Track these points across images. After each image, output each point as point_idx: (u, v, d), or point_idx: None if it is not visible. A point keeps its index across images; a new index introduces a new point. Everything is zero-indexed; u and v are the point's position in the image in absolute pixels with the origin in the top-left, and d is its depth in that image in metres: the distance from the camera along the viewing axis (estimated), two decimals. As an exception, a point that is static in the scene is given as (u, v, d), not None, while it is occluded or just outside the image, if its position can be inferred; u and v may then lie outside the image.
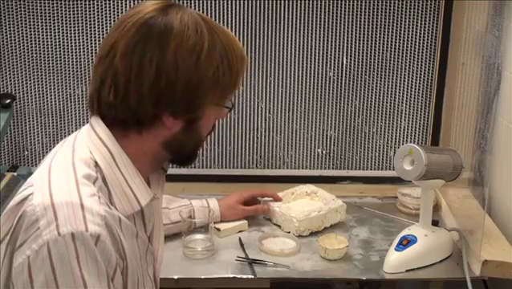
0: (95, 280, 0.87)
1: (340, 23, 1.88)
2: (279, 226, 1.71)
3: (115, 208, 0.96)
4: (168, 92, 0.94)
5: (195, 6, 1.83)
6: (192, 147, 1.05)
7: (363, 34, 1.89)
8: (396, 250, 1.52)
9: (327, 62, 1.91)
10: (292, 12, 1.86)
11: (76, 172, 0.93)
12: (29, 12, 1.81)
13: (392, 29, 1.89)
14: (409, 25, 1.89)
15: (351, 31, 1.89)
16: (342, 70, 1.92)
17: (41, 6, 1.81)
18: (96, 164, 0.97)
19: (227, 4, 1.84)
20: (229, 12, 1.85)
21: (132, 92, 0.94)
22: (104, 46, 0.96)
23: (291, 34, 1.88)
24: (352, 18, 1.88)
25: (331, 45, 1.90)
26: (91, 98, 0.99)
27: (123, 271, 0.95)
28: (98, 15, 1.84)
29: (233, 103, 1.10)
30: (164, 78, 0.93)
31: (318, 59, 1.91)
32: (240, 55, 1.01)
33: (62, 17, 1.83)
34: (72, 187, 0.91)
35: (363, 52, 1.91)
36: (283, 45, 1.89)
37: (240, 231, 1.68)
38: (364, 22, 1.88)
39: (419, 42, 1.90)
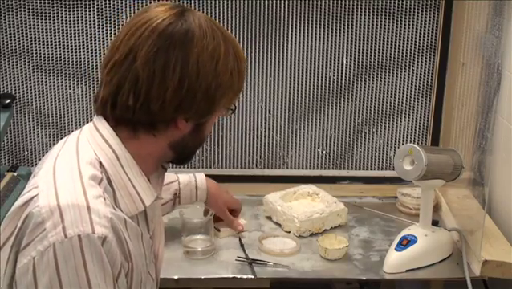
0: (100, 281, 0.87)
1: (340, 23, 1.88)
2: (279, 225, 1.71)
3: (120, 208, 0.96)
4: (188, 98, 0.96)
5: (195, 5, 1.83)
6: (194, 147, 1.08)
7: (363, 34, 1.89)
8: (396, 250, 1.51)
9: (327, 62, 1.91)
10: (292, 12, 1.86)
11: (82, 174, 0.93)
12: (29, 12, 1.81)
13: (392, 29, 1.89)
14: (409, 25, 1.89)
15: (351, 31, 1.89)
16: (342, 70, 1.92)
17: (41, 6, 1.81)
18: (101, 165, 0.97)
19: (227, 4, 1.84)
20: (229, 12, 1.85)
21: (154, 98, 0.94)
22: (119, 51, 0.96)
23: (291, 34, 1.88)
24: (352, 18, 1.87)
25: (331, 45, 1.90)
26: (103, 100, 0.97)
27: (127, 273, 0.95)
28: (98, 15, 1.83)
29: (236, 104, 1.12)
30: (187, 84, 0.95)
31: (319, 59, 1.91)
32: (243, 58, 1.04)
33: (62, 17, 1.83)
34: (78, 189, 0.91)
35: (363, 52, 1.91)
36: (283, 45, 1.89)
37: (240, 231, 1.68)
38: (364, 22, 1.88)
39: (419, 42, 1.90)
